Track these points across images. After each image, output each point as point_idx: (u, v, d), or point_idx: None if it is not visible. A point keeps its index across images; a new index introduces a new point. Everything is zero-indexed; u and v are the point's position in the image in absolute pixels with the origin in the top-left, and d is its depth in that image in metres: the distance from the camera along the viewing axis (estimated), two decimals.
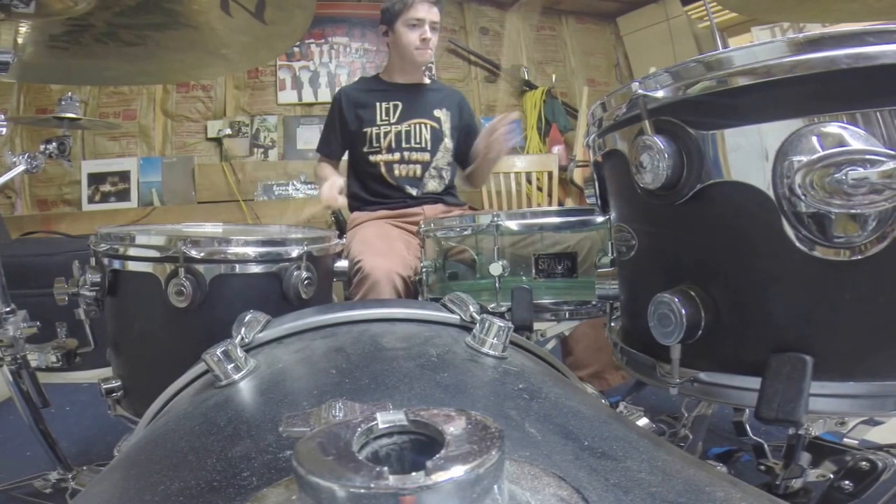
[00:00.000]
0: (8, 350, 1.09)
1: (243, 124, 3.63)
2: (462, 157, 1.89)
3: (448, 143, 1.83)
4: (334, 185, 1.58)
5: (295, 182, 3.56)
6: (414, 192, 1.79)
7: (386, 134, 1.78)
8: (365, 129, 1.79)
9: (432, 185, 1.81)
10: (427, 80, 1.92)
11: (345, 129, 1.83)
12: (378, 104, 1.81)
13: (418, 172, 1.79)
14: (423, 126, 1.80)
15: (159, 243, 0.98)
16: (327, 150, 1.88)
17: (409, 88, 1.84)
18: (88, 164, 3.41)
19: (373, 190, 1.81)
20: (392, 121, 1.79)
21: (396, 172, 1.78)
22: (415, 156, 1.79)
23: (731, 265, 0.59)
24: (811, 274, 0.55)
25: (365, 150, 1.79)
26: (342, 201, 1.60)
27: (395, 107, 1.81)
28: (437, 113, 1.83)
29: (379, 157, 1.78)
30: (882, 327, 0.53)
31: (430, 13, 1.75)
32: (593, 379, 1.46)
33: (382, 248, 1.51)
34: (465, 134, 1.88)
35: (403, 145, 1.78)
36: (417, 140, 1.79)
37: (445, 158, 1.83)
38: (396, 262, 1.43)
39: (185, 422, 0.41)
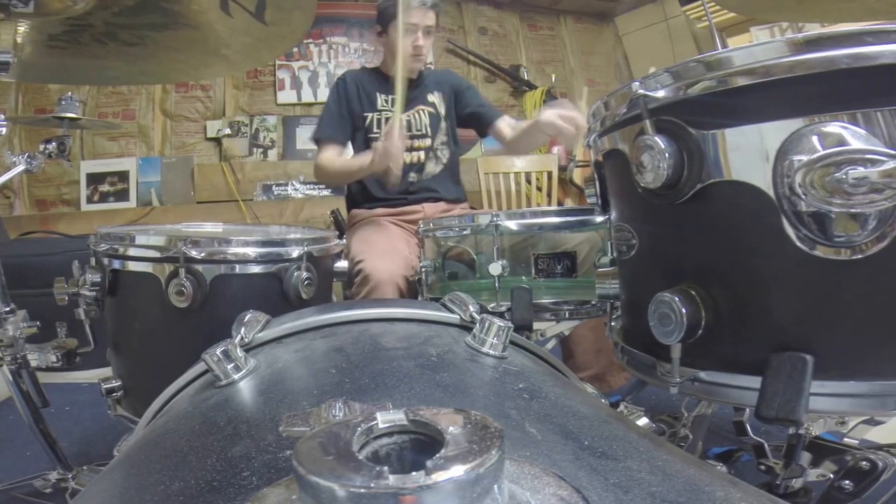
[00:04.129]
0: (8, 350, 1.09)
1: (243, 124, 3.63)
2: (476, 122, 1.87)
3: (444, 124, 1.83)
4: (393, 137, 1.43)
5: (294, 182, 3.56)
6: (414, 178, 1.77)
7: (388, 119, 1.75)
8: (366, 114, 1.78)
9: (430, 168, 1.81)
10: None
11: (351, 110, 1.79)
12: (378, 94, 1.80)
13: (422, 158, 1.79)
14: (421, 112, 1.80)
15: (159, 243, 0.98)
16: (332, 132, 1.76)
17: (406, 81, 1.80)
18: (87, 164, 3.41)
19: (370, 190, 1.79)
20: (393, 108, 1.76)
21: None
22: (417, 143, 1.78)
23: (732, 264, 0.59)
24: (811, 273, 0.54)
25: (369, 136, 1.77)
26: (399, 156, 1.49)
27: (394, 99, 1.77)
28: (430, 98, 1.83)
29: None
30: (882, 326, 0.53)
31: (426, 18, 1.72)
32: (594, 381, 1.45)
33: (384, 248, 1.49)
34: (466, 104, 1.85)
35: (405, 133, 1.73)
36: (418, 127, 1.79)
37: (441, 139, 1.83)
38: (399, 264, 1.41)
39: (184, 422, 0.41)
